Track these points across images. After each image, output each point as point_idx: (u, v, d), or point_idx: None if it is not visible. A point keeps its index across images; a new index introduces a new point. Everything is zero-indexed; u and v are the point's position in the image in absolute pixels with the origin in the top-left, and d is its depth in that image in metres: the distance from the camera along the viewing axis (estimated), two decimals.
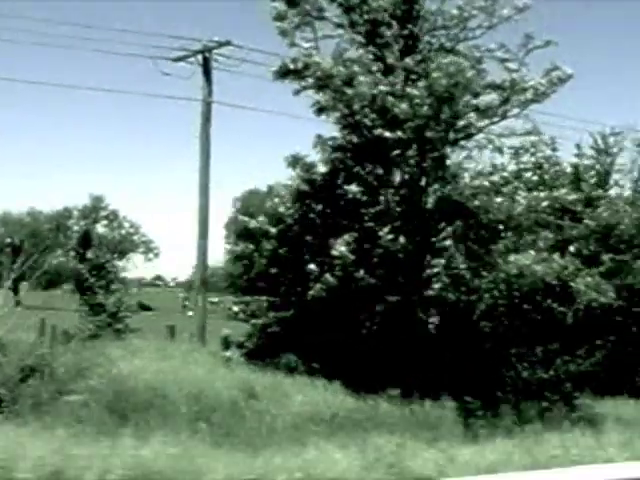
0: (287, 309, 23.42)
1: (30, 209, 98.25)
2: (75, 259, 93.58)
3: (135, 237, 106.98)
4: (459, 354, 20.98)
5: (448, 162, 20.24)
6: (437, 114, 19.77)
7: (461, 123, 22.04)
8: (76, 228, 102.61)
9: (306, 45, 20.87)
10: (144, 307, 63.96)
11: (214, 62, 27.30)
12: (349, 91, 20.26)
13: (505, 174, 25.97)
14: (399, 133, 19.61)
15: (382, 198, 20.42)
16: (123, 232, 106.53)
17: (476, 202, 19.81)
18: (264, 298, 23.86)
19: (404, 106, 19.41)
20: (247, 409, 19.03)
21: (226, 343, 24.03)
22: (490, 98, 23.18)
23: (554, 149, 27.06)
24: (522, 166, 26.59)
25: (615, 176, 28.90)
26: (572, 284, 20.02)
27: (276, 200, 23.19)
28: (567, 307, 21.60)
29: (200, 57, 27.28)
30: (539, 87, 23.67)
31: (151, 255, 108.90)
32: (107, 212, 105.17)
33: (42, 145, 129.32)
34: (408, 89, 19.62)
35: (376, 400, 19.89)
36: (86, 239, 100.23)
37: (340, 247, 20.11)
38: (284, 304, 23.47)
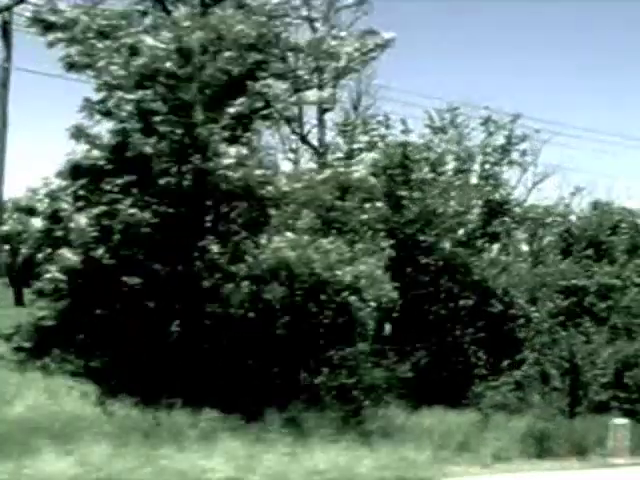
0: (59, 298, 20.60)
1: None
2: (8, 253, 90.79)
3: None
4: (227, 352, 18.16)
5: (200, 130, 17.14)
6: (192, 74, 16.94)
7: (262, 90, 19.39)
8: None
9: None
10: None
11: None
12: (99, 45, 17.40)
13: (340, 155, 23.44)
14: (140, 93, 16.81)
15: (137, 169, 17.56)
16: None
17: (237, 175, 16.98)
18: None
19: (142, 60, 16.58)
20: None
21: None
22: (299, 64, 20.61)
23: (387, 126, 24.48)
24: (356, 145, 24.08)
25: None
26: (338, 272, 17.18)
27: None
28: (362, 303, 18.71)
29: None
30: (354, 53, 21.00)
31: None
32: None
33: None
34: (149, 41, 16.79)
35: (113, 406, 17.12)
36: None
37: (81, 220, 17.34)
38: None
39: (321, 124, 29.68)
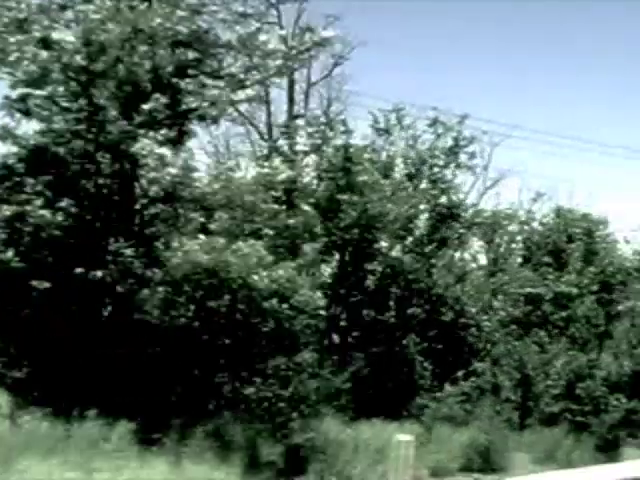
0: None
1: None
2: None
3: None
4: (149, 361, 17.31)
5: (111, 128, 16.32)
6: (105, 69, 16.14)
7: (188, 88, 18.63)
8: None
9: None
10: None
11: None
12: (11, 39, 16.58)
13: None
14: (50, 89, 16.02)
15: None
16: None
17: (152, 175, 16.16)
18: None
19: (49, 54, 15.81)
20: None
21: None
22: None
23: (332, 128, 23.74)
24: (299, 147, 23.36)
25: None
26: (255, 277, 16.30)
27: None
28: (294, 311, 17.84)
29: None
30: (291, 52, 20.31)
31: None
32: None
33: None
34: (55, 35, 15.98)
35: (23, 417, 16.26)
36: None
37: None
38: None
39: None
